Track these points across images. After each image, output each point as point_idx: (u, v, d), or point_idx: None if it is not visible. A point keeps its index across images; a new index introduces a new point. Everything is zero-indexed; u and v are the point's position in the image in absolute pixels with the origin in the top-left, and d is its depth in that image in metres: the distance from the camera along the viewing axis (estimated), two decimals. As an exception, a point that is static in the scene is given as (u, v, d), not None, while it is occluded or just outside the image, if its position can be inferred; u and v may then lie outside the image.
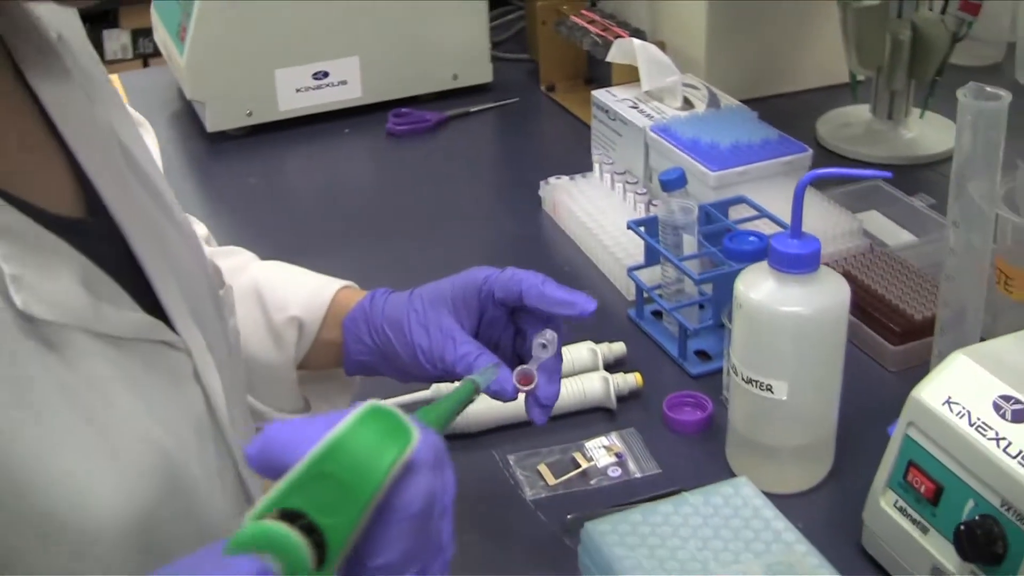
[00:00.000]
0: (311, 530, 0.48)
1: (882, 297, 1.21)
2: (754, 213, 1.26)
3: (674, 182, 1.20)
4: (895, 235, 1.38)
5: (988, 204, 0.98)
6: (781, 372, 0.97)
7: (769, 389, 0.97)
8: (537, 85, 1.87)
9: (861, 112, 1.66)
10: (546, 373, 0.88)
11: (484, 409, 1.11)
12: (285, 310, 1.00)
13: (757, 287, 0.97)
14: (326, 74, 1.75)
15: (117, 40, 3.72)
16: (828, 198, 1.37)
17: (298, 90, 1.75)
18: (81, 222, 0.74)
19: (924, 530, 0.89)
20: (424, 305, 0.93)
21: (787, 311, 0.95)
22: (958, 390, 0.87)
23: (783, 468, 1.02)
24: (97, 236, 0.75)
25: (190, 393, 0.78)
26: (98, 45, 3.54)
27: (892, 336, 1.17)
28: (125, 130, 0.84)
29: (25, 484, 0.64)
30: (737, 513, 0.88)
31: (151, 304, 0.77)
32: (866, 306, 1.21)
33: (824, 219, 1.32)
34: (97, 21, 3.55)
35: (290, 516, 0.48)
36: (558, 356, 0.90)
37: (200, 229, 1.12)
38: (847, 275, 1.22)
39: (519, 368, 0.87)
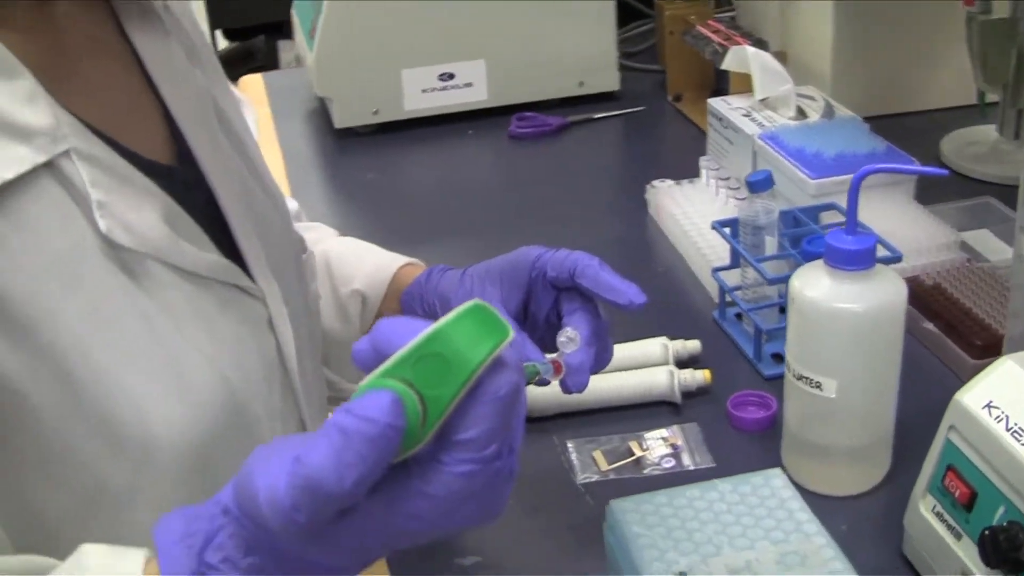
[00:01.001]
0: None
1: (968, 311, 1.18)
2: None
3: (761, 183, 1.20)
4: (1001, 252, 1.35)
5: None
6: (831, 370, 0.96)
7: (818, 387, 0.96)
8: (665, 96, 1.88)
9: (988, 132, 1.62)
10: (574, 367, 0.88)
11: (549, 394, 1.12)
12: (350, 283, 1.04)
13: (811, 284, 0.96)
14: (452, 76, 1.80)
15: (291, 51, 3.85)
16: (932, 212, 1.34)
17: (424, 91, 1.80)
18: (169, 168, 0.81)
19: (958, 536, 0.87)
20: (473, 282, 0.95)
21: (839, 307, 0.94)
22: (1000, 395, 0.85)
23: (836, 469, 1.01)
24: (183, 182, 0.81)
25: (262, 339, 0.83)
26: (273, 55, 3.68)
27: (972, 349, 1.14)
28: (223, 98, 0.91)
29: (94, 393, 0.70)
30: (763, 503, 0.87)
31: (231, 253, 0.84)
32: (951, 319, 1.18)
33: (921, 231, 1.30)
34: (272, 32, 3.67)
35: (406, 391, 0.54)
36: (588, 347, 0.89)
37: (291, 204, 1.18)
38: (936, 288, 1.20)
39: (547, 358, 0.88)
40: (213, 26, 3.88)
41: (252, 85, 2.07)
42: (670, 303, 1.33)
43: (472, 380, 0.54)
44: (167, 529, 0.60)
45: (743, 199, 1.35)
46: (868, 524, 0.98)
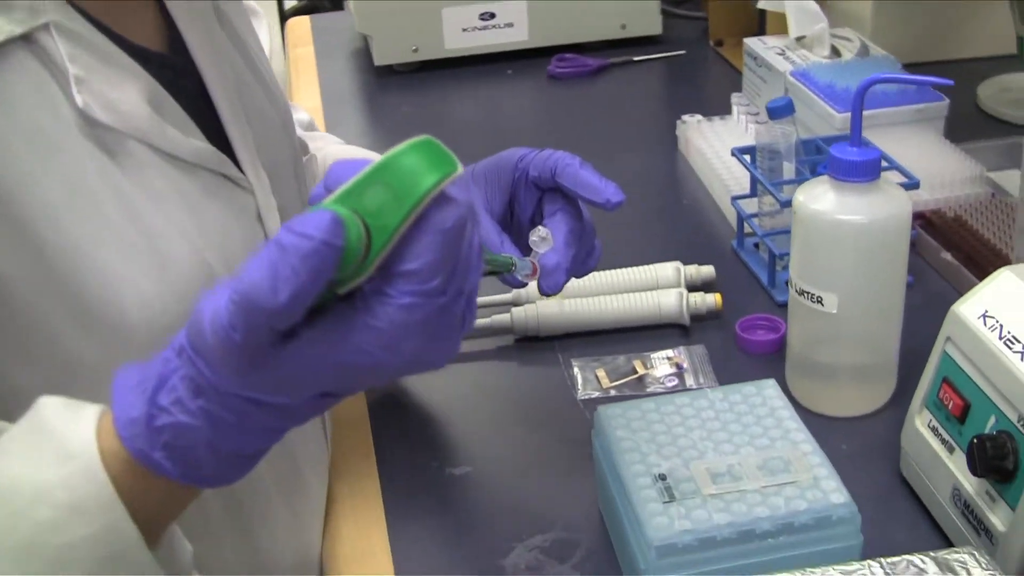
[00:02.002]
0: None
1: (987, 242, 1.16)
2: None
3: (780, 109, 1.18)
4: (1031, 191, 1.31)
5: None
6: (832, 284, 0.94)
7: (820, 302, 0.95)
8: (707, 41, 1.86)
9: (1026, 79, 1.59)
10: (548, 268, 0.87)
11: (558, 315, 1.12)
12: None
13: (815, 197, 0.95)
14: (493, 15, 1.79)
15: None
16: (962, 150, 1.31)
17: (464, 30, 1.79)
18: (160, 55, 0.81)
19: (951, 450, 0.85)
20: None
21: (842, 219, 0.93)
22: (996, 305, 0.83)
23: (839, 390, 1.00)
24: (174, 69, 0.82)
25: (250, 230, 0.83)
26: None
27: (990, 279, 1.11)
28: (232, 7, 0.91)
29: (65, 267, 0.71)
30: (752, 411, 0.86)
31: (222, 145, 0.84)
32: (970, 250, 1.16)
33: (946, 165, 1.27)
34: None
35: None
36: (566, 248, 0.88)
37: (302, 115, 1.18)
38: (957, 220, 1.18)
39: (523, 259, 0.88)
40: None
41: (298, 26, 2.08)
42: (691, 232, 1.32)
43: (417, 211, 0.54)
44: (124, 377, 0.61)
45: (763, 123, 1.33)
46: (868, 445, 0.96)
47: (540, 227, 0.87)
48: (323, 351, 0.56)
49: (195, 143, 0.80)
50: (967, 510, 0.83)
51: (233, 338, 0.54)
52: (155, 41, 0.82)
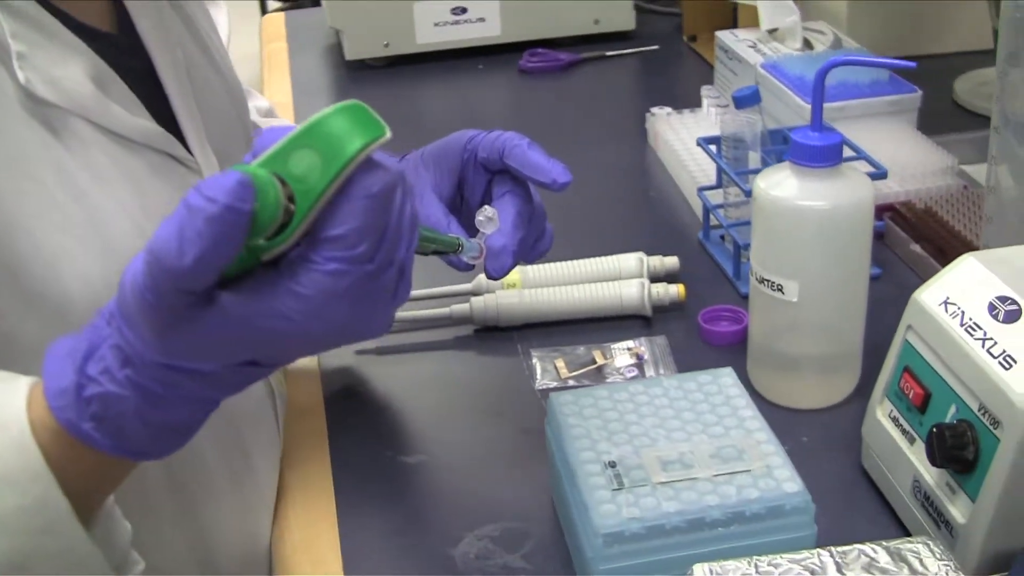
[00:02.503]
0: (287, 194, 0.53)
1: (958, 233, 1.14)
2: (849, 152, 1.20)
3: (746, 99, 1.16)
4: (1003, 185, 1.30)
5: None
6: (793, 271, 0.92)
7: (780, 289, 0.93)
8: (681, 37, 1.84)
9: (1005, 72, 1.57)
10: (494, 251, 0.85)
11: (517, 305, 1.10)
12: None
13: (776, 183, 0.93)
14: (464, 10, 1.77)
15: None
16: (935, 142, 1.29)
17: (436, 24, 1.77)
18: (107, 34, 0.79)
19: (911, 440, 0.83)
20: (407, 166, 0.93)
21: (803, 205, 0.91)
22: (958, 291, 0.81)
23: (801, 382, 0.98)
24: (121, 49, 0.80)
25: None
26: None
27: (959, 271, 1.09)
28: None
29: (7, 245, 0.69)
30: (707, 399, 0.84)
31: (171, 126, 0.82)
32: (940, 242, 1.14)
33: (918, 157, 1.25)
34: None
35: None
36: (514, 231, 0.86)
37: (262, 102, 1.16)
38: (927, 211, 1.16)
39: (470, 240, 0.86)
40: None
41: (273, 22, 2.06)
42: (657, 224, 1.30)
43: (343, 176, 0.53)
44: (56, 346, 0.59)
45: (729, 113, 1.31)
46: (830, 437, 0.94)
47: (486, 207, 0.85)
48: (244, 316, 0.54)
49: (141, 122, 0.78)
50: (927, 502, 0.80)
51: (147, 299, 0.52)
52: (102, 19, 0.80)
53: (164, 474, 0.83)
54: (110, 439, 0.58)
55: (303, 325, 0.54)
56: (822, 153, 0.90)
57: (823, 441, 0.94)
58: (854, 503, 0.87)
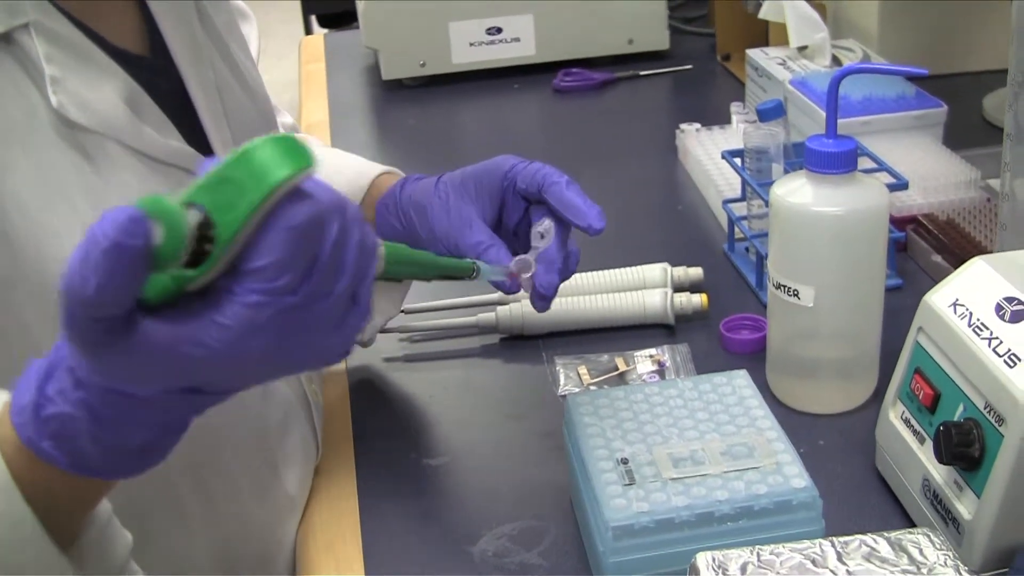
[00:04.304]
0: (208, 225, 0.53)
1: (979, 244, 1.15)
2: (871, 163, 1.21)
3: (770, 112, 1.18)
4: (1028, 198, 1.30)
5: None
6: (809, 277, 0.94)
7: (796, 295, 0.94)
8: (715, 56, 1.86)
9: (1036, 89, 1.57)
10: (544, 263, 0.87)
11: (543, 314, 1.12)
12: None
13: (792, 191, 0.95)
14: (500, 30, 1.80)
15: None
16: (958, 155, 1.31)
17: (471, 44, 1.80)
18: (139, 56, 0.82)
19: (922, 440, 0.85)
20: (448, 190, 0.94)
21: (818, 211, 0.92)
22: (967, 293, 0.82)
23: (819, 387, 0.99)
24: (153, 70, 0.82)
25: None
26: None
27: (979, 281, 1.11)
28: (216, 9, 0.92)
29: (35, 257, 0.71)
30: (721, 399, 0.86)
31: (200, 145, 0.84)
32: (962, 253, 1.15)
33: (941, 169, 1.27)
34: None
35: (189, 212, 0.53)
36: (559, 249, 0.89)
37: (286, 119, 1.19)
38: (949, 223, 1.18)
39: (517, 257, 0.88)
40: (307, 12, 3.94)
41: (312, 43, 2.11)
42: (684, 237, 1.32)
43: (263, 207, 0.52)
44: (33, 363, 0.60)
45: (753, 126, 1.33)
46: (846, 441, 0.96)
47: (545, 219, 0.87)
48: (166, 343, 0.53)
49: (172, 143, 0.81)
50: (936, 500, 0.82)
51: (65, 323, 0.52)
52: (135, 42, 0.83)
53: (192, 480, 0.85)
54: (68, 458, 0.58)
55: (222, 355, 0.53)
56: (836, 160, 0.92)
57: (839, 444, 0.95)
58: (866, 503, 0.88)
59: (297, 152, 0.53)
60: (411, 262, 0.79)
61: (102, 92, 0.76)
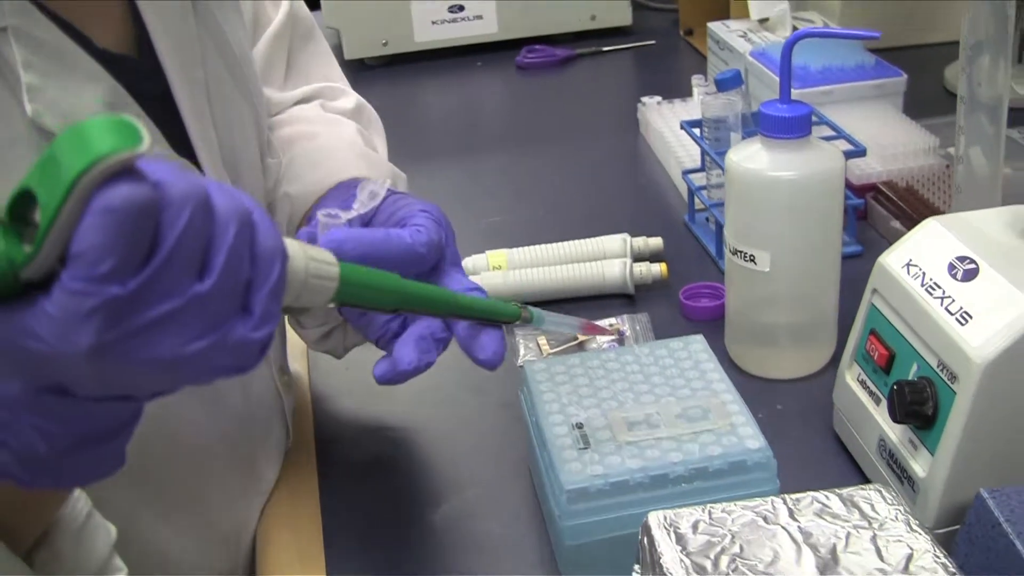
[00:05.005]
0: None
1: (938, 211, 1.15)
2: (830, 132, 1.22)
3: (728, 81, 1.18)
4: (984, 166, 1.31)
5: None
6: (765, 242, 0.94)
7: (752, 260, 0.94)
8: (678, 32, 1.86)
9: (997, 58, 1.58)
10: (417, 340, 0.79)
11: (501, 286, 1.12)
12: (282, 186, 0.96)
13: (747, 157, 0.95)
14: (462, 8, 1.79)
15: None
16: (918, 123, 1.31)
17: (434, 22, 1.80)
18: (124, 57, 0.78)
19: (877, 401, 0.85)
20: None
21: (773, 176, 0.93)
22: (920, 254, 0.83)
23: (778, 352, 0.99)
24: (139, 72, 0.79)
25: None
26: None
27: (937, 246, 1.11)
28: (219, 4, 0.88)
29: None
30: (677, 364, 0.86)
31: (187, 151, 0.81)
32: (921, 219, 1.14)
33: (901, 137, 1.27)
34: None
35: (25, 193, 0.50)
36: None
37: (345, 103, 1.12)
38: (908, 189, 1.18)
39: (326, 210, 0.80)
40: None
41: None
42: (645, 208, 1.33)
43: (82, 186, 0.48)
44: None
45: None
46: (805, 405, 0.96)
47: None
48: (4, 335, 0.49)
49: (155, 150, 0.78)
50: (891, 459, 0.82)
51: None
52: (122, 42, 0.79)
53: (175, 479, 0.85)
54: None
55: (56, 347, 0.49)
56: (790, 124, 0.92)
57: (798, 409, 0.95)
58: (824, 466, 0.89)
59: (125, 131, 0.49)
60: (386, 289, 0.67)
61: (82, 99, 0.73)
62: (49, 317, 0.48)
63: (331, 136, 1.01)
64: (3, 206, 0.50)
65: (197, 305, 0.51)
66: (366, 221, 0.82)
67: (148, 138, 0.49)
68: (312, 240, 0.77)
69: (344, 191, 0.90)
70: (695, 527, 0.66)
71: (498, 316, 0.75)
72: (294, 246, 0.58)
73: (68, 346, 0.49)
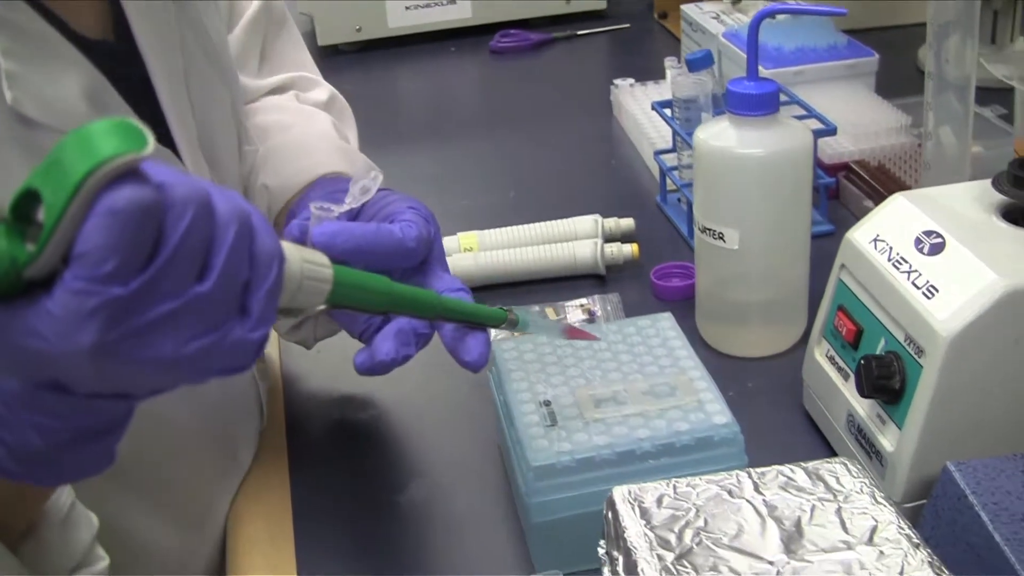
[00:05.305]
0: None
1: (909, 188, 1.15)
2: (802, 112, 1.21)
3: (699, 61, 1.17)
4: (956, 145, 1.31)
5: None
6: (733, 219, 0.94)
7: (721, 237, 0.94)
8: (652, 15, 1.86)
9: (969, 39, 1.58)
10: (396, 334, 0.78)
11: (472, 267, 1.11)
12: (260, 178, 0.96)
13: (716, 134, 0.95)
14: (436, -8, 1.79)
15: None
16: (890, 103, 1.31)
17: (408, 8, 1.79)
18: (103, 43, 0.78)
19: (846, 376, 0.85)
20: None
21: (741, 153, 0.92)
22: (887, 229, 0.83)
23: (749, 330, 0.99)
24: (117, 58, 0.78)
25: None
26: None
27: (908, 224, 1.11)
28: None
29: None
30: (645, 341, 0.86)
31: (165, 137, 0.81)
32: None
33: (873, 116, 1.27)
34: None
35: (30, 193, 0.50)
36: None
37: (318, 94, 1.12)
38: (880, 168, 1.18)
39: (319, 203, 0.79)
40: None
41: (248, 12, 2.08)
42: (618, 190, 1.33)
43: (87, 187, 0.48)
44: None
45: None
46: (775, 383, 0.96)
47: (373, 172, 0.80)
48: (5, 332, 0.50)
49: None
50: (860, 434, 0.82)
51: None
52: (102, 27, 0.79)
53: (155, 471, 0.85)
54: None
55: (57, 346, 0.49)
56: (758, 101, 0.91)
57: (768, 387, 0.95)
58: (793, 442, 0.89)
59: (131, 134, 0.49)
60: (377, 291, 0.67)
61: (62, 86, 0.72)
62: (51, 316, 0.49)
63: (307, 129, 1.02)
64: (6, 206, 0.51)
65: (197, 306, 0.51)
66: (353, 216, 0.82)
67: (152, 141, 0.50)
68: (304, 232, 0.77)
69: (326, 186, 0.91)
70: (660, 501, 0.65)
71: (485, 320, 0.76)
72: (290, 248, 0.59)
73: (69, 345, 0.49)
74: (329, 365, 1.03)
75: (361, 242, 0.76)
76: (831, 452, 0.86)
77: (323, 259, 0.62)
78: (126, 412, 0.56)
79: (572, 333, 0.81)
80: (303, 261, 0.60)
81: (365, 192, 0.79)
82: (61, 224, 0.49)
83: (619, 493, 0.67)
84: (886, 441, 0.78)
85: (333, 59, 1.79)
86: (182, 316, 0.51)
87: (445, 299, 0.73)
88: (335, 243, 0.75)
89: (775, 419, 0.91)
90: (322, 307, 0.62)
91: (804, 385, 0.91)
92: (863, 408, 0.82)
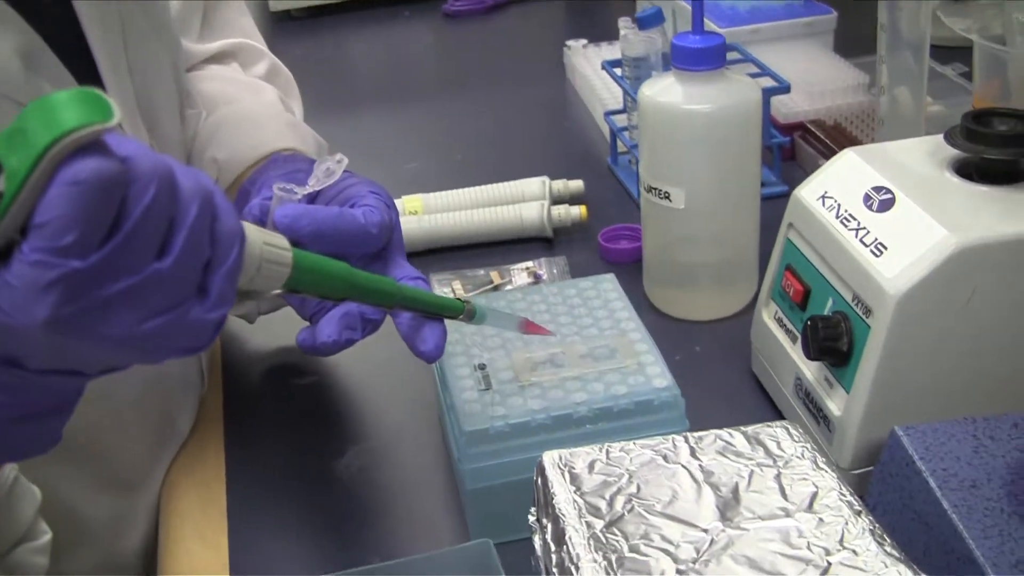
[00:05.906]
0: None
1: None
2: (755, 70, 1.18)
3: (649, 19, 1.14)
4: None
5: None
6: (679, 178, 0.91)
7: (667, 197, 0.91)
8: (612, -23, 1.82)
9: (930, -2, 1.55)
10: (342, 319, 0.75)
11: (416, 230, 1.08)
12: (209, 150, 0.93)
13: (661, 91, 0.91)
14: (388, -46, 1.75)
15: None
16: (849, 62, 1.28)
17: (360, -30, 1.75)
18: (38, 2, 0.74)
19: (794, 339, 0.82)
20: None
21: (687, 109, 0.89)
22: (836, 185, 0.80)
23: (697, 293, 0.97)
24: (53, 17, 0.75)
25: None
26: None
27: (863, 184, 1.08)
28: None
29: None
30: (586, 303, 0.83)
31: None
32: (847, 157, 1.12)
33: (830, 75, 1.24)
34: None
35: None
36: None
37: (257, 67, 1.09)
38: (836, 127, 1.15)
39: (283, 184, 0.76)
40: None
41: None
42: (569, 152, 1.29)
43: (49, 157, 0.47)
44: None
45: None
46: (723, 346, 0.93)
47: (338, 155, 0.77)
48: None
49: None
50: (808, 399, 0.79)
51: None
52: None
53: (91, 442, 0.82)
54: None
55: (12, 318, 0.49)
56: (703, 56, 0.88)
57: (717, 350, 0.92)
58: (741, 407, 0.86)
59: (96, 105, 0.49)
60: (336, 278, 0.66)
61: None
62: (8, 287, 0.48)
63: (255, 101, 1.00)
64: None
65: (156, 283, 0.50)
66: (312, 198, 0.79)
67: (118, 113, 0.49)
68: (265, 213, 0.75)
69: (283, 165, 0.88)
70: (591, 467, 0.63)
71: (442, 310, 0.74)
72: (251, 229, 0.58)
73: (25, 318, 0.48)
74: (268, 330, 1.00)
75: (323, 226, 0.73)
76: (779, 417, 0.84)
77: (284, 242, 0.60)
78: (76, 390, 0.55)
79: (529, 327, 0.78)
80: (264, 244, 0.58)
81: (329, 175, 0.76)
82: (22, 193, 0.48)
83: (549, 458, 0.64)
84: (833, 405, 0.76)
85: (285, 24, 1.76)
86: (140, 293, 0.50)
87: (404, 288, 0.71)
88: (297, 226, 0.72)
89: (723, 384, 0.88)
90: (278, 291, 0.61)
91: (752, 349, 0.88)
92: (811, 371, 0.79)
